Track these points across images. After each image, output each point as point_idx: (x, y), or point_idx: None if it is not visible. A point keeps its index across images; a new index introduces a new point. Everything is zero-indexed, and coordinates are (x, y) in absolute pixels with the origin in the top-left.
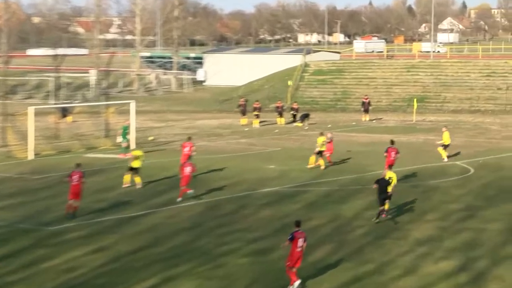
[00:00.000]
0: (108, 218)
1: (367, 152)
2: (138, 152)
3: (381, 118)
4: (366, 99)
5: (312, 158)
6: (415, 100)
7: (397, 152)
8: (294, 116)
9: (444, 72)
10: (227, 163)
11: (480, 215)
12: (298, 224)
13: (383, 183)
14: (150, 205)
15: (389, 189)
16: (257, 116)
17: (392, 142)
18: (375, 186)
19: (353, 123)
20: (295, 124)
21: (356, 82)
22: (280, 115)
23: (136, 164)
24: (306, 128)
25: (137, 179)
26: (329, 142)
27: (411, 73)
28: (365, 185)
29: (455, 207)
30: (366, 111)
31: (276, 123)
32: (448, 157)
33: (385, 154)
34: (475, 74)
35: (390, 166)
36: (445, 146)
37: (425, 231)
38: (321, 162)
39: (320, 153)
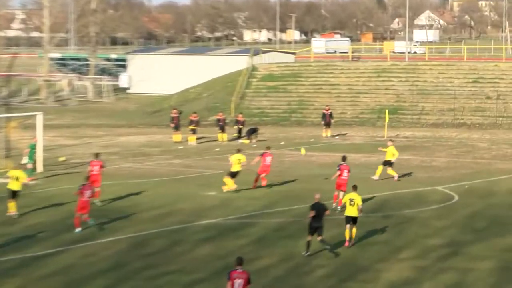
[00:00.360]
0: (8, 258)
1: (329, 176)
2: (17, 173)
3: (345, 134)
4: (328, 110)
5: (228, 181)
6: (386, 111)
7: (349, 171)
8: (240, 131)
9: (422, 78)
10: (157, 189)
11: (467, 252)
12: (239, 262)
13: (319, 208)
14: (61, 241)
15: (355, 213)
16: (194, 132)
17: (344, 158)
18: (311, 214)
19: (312, 139)
20: (240, 141)
21: (315, 89)
22: (222, 130)
23: (14, 186)
24: (254, 146)
25: (11, 206)
26: (265, 163)
27: (381, 79)
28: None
29: (436, 242)
30: (328, 125)
31: (217, 140)
32: (428, 182)
33: (337, 172)
34: (459, 79)
35: (351, 187)
36: (389, 164)
37: (400, 272)
38: (228, 183)
39: (234, 175)
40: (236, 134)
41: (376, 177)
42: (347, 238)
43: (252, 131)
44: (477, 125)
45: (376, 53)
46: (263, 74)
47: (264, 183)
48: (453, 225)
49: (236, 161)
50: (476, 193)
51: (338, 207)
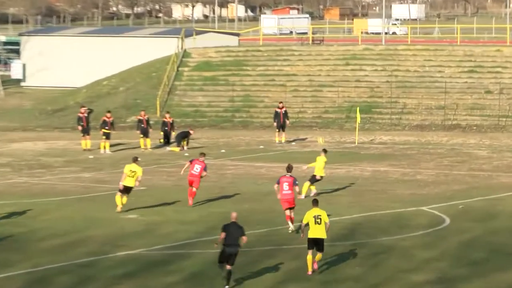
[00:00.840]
0: None
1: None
2: None
3: (305, 139)
4: (282, 108)
5: (117, 199)
6: (358, 110)
7: (293, 184)
8: (167, 135)
9: (403, 66)
10: (61, 212)
11: None
12: None
13: (233, 230)
14: None
15: (323, 233)
16: (108, 137)
17: (289, 168)
18: (222, 236)
19: (261, 146)
20: (169, 148)
21: (266, 81)
22: (145, 134)
23: None
24: (187, 154)
25: None
26: (192, 170)
27: (351, 68)
28: (281, 244)
29: (422, 278)
30: (282, 127)
31: (138, 147)
32: (412, 201)
33: (276, 186)
34: (451, 69)
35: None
36: (315, 179)
37: None
38: (117, 201)
39: (127, 191)
40: (162, 140)
41: (302, 196)
42: (310, 265)
43: (183, 136)
44: (474, 128)
45: (344, 35)
46: (197, 62)
47: (190, 201)
48: (444, 257)
49: (129, 173)
50: (472, 215)
51: (291, 226)
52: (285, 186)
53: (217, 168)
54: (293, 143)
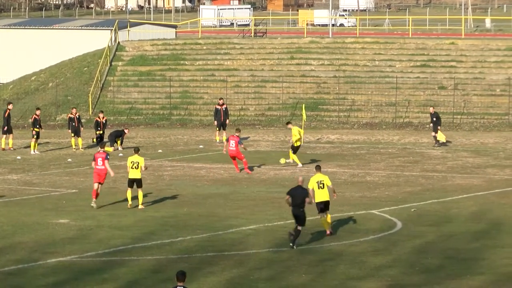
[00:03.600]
0: None
1: (225, 196)
2: None
3: (247, 138)
4: (222, 105)
5: (128, 194)
6: (303, 107)
7: (239, 143)
8: (101, 135)
9: (352, 60)
10: None
11: None
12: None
13: (299, 192)
14: None
15: (327, 196)
16: (37, 136)
17: (237, 130)
18: (287, 197)
19: (200, 146)
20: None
21: (205, 77)
22: (76, 133)
23: None
24: (121, 155)
25: None
26: (97, 166)
27: (296, 62)
28: (222, 250)
29: (372, 286)
30: (222, 125)
31: (70, 147)
32: (361, 204)
33: (225, 142)
34: (403, 63)
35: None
36: (295, 148)
37: None
38: (129, 196)
39: (136, 183)
40: (95, 139)
41: (299, 164)
42: (326, 227)
43: (117, 135)
44: (428, 126)
45: (288, 27)
46: (132, 56)
47: (93, 202)
48: (396, 263)
49: (131, 165)
50: (426, 219)
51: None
52: (232, 143)
53: (154, 170)
54: None
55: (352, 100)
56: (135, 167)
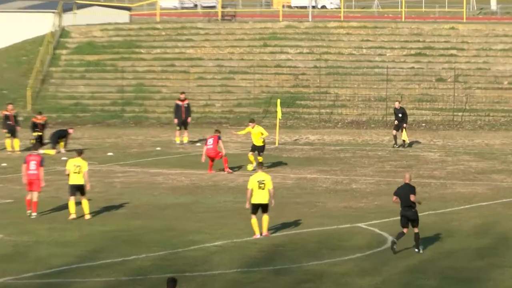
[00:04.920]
0: None
1: (186, 207)
2: None
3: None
4: (184, 100)
5: (71, 205)
6: (278, 103)
7: (218, 140)
8: (40, 136)
9: (335, 48)
10: None
11: None
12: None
13: (407, 191)
14: None
15: (266, 199)
16: None
17: (216, 131)
18: (394, 199)
19: (158, 148)
20: (42, 151)
21: (164, 67)
22: (12, 133)
23: None
24: (65, 158)
25: None
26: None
27: (270, 50)
28: (182, 271)
29: None
30: (184, 124)
31: (5, 149)
32: (346, 215)
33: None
34: (395, 51)
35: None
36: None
37: None
38: (72, 207)
39: (78, 190)
40: (33, 140)
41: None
42: (256, 228)
43: (60, 136)
44: (424, 124)
45: (261, 9)
46: (78, 43)
47: (28, 212)
48: (386, 285)
49: (73, 169)
50: (422, 234)
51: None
52: (210, 141)
53: (102, 176)
54: (198, 144)
55: (336, 94)
56: (78, 171)
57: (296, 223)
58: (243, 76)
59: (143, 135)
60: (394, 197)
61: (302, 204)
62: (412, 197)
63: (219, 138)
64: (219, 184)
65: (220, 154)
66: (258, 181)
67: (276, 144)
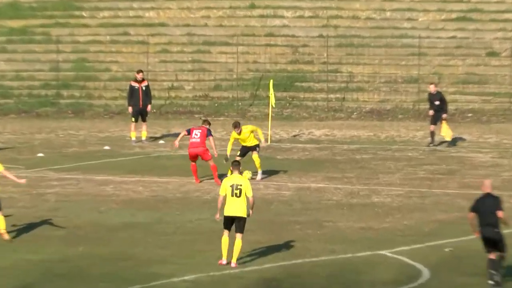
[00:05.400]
0: None
1: (145, 228)
2: None
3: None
4: (142, 81)
5: None
6: (270, 84)
7: (208, 134)
8: None
9: (348, 10)
10: None
11: None
12: None
13: (489, 204)
14: None
15: (243, 210)
16: None
17: (205, 122)
18: (471, 216)
19: (106, 147)
20: None
21: (114, 36)
22: None
23: None
24: None
25: None
26: None
27: (259, 13)
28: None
29: None
30: (142, 114)
31: None
32: (365, 240)
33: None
34: (430, 14)
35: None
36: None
37: None
38: None
39: None
40: None
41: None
42: (224, 251)
43: None
44: (470, 115)
45: None
46: None
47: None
48: None
49: None
50: (469, 265)
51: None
52: (196, 133)
53: (30, 185)
54: (161, 142)
55: (349, 73)
56: None
57: (296, 250)
58: (223, 49)
59: (86, 129)
60: (471, 214)
61: (305, 223)
62: (500, 214)
63: (209, 132)
64: (190, 196)
65: (209, 154)
66: (232, 186)
67: (268, 142)
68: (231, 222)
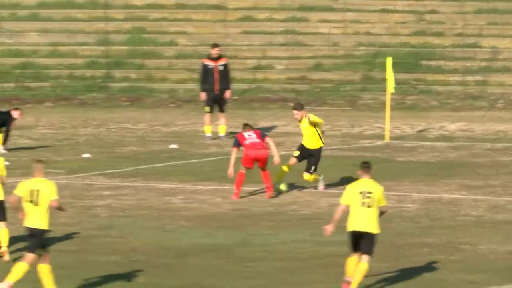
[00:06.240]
0: None
1: (227, 250)
2: None
3: (270, 128)
4: (220, 60)
5: None
6: (388, 62)
7: (262, 135)
8: None
9: None
10: None
11: None
12: None
13: None
14: None
15: (367, 225)
16: None
17: (247, 126)
18: None
19: (172, 145)
20: None
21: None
22: None
23: None
24: (6, 163)
25: None
26: None
27: None
28: None
29: None
30: (219, 101)
31: None
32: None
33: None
34: None
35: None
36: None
37: None
38: None
39: None
40: None
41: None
42: (348, 270)
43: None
44: None
45: None
46: None
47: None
48: None
49: None
50: None
51: None
52: (252, 136)
53: (74, 195)
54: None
55: (493, 49)
56: None
57: (423, 281)
58: (325, 15)
59: (146, 121)
60: None
61: (435, 246)
62: None
63: (263, 133)
64: (284, 210)
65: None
66: (361, 193)
67: (386, 139)
68: (357, 239)
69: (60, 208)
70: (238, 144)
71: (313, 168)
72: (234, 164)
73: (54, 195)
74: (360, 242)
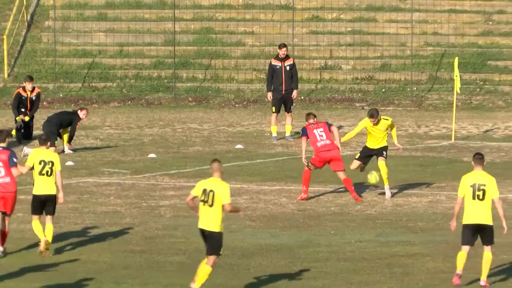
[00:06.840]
0: None
1: (291, 251)
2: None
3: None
4: (287, 60)
5: (37, 228)
6: (455, 63)
7: (329, 127)
8: (26, 123)
9: None
10: None
11: None
12: None
13: None
14: None
15: (487, 218)
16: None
17: (312, 115)
18: None
19: (239, 145)
20: (28, 149)
21: None
22: None
23: None
24: (71, 163)
25: None
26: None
27: None
28: None
29: None
30: (285, 103)
31: None
32: None
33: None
34: None
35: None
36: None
37: None
38: (39, 231)
39: (47, 205)
40: (14, 132)
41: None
42: (459, 264)
43: (63, 123)
44: None
45: None
46: None
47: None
48: None
49: (39, 168)
50: None
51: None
52: (319, 132)
53: (139, 195)
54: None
55: None
56: (47, 172)
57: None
58: (392, 16)
59: (212, 121)
60: None
61: (501, 247)
62: None
63: (328, 124)
64: (349, 210)
65: (341, 159)
66: (472, 186)
67: (453, 139)
68: (472, 233)
69: (234, 211)
70: (306, 133)
71: (384, 153)
72: (305, 152)
73: (227, 198)
74: (480, 235)
